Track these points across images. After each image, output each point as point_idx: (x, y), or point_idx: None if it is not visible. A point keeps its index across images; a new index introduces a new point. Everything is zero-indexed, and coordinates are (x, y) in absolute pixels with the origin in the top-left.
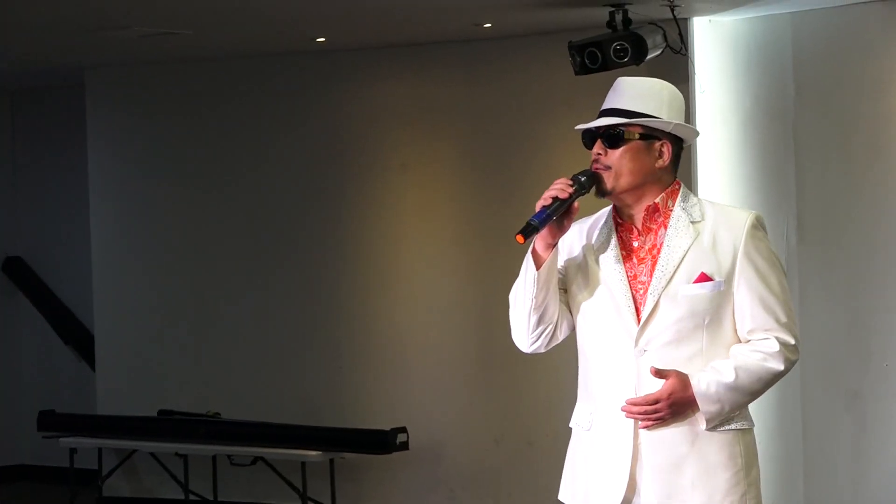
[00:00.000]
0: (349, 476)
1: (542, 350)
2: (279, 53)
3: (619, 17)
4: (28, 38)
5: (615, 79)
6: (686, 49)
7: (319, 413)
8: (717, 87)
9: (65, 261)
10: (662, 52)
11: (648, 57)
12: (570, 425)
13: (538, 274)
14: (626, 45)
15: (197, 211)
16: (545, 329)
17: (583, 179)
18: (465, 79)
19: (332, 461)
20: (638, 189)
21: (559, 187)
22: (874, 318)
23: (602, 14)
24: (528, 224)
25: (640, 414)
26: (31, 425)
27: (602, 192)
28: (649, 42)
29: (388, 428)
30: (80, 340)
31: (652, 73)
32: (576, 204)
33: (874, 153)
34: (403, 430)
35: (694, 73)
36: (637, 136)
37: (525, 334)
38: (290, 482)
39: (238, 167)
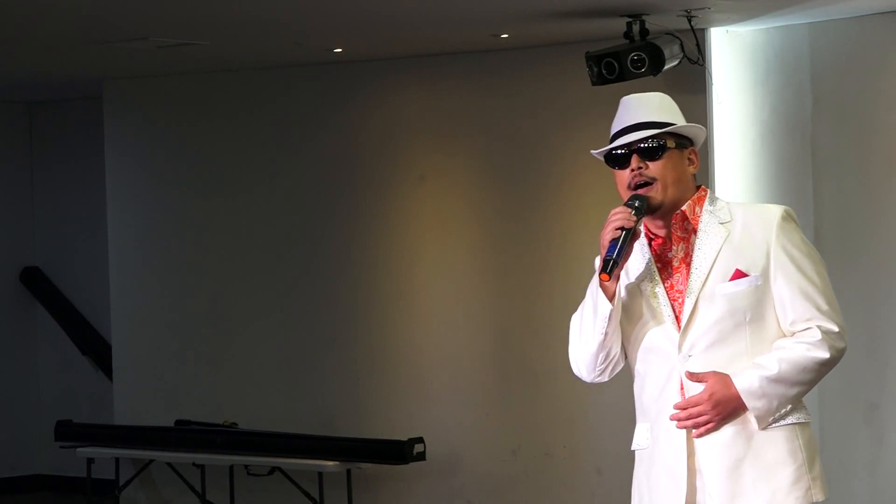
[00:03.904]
0: (366, 486)
1: (606, 379)
2: (296, 64)
3: (636, 28)
4: (46, 50)
5: (632, 89)
6: (703, 60)
7: (336, 423)
8: (735, 98)
9: (82, 271)
10: (680, 62)
11: (666, 67)
12: (632, 448)
13: (613, 308)
14: (644, 56)
15: (214, 221)
16: (612, 359)
17: (637, 204)
18: (483, 89)
19: (349, 471)
20: (678, 199)
21: (623, 216)
22: (893, 330)
23: (619, 25)
24: (607, 261)
25: (686, 419)
26: (49, 435)
27: (653, 209)
28: (666, 52)
29: (405, 438)
30: (98, 351)
31: (669, 83)
32: (639, 228)
33: (892, 164)
34: (420, 440)
35: (711, 83)
36: (674, 144)
37: (592, 367)
38: (307, 492)
39: (255, 178)
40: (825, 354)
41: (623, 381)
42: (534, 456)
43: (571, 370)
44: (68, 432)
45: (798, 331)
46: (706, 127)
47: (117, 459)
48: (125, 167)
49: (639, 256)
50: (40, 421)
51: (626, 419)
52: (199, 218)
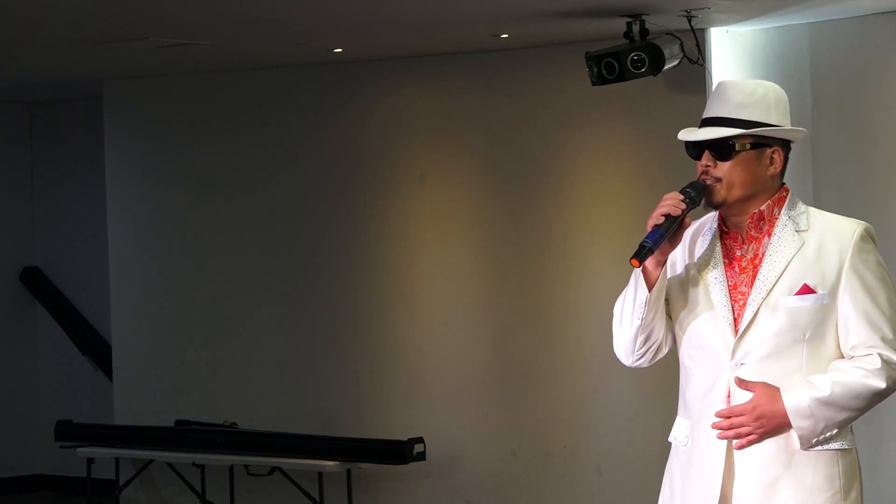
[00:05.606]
0: (366, 486)
1: (646, 365)
2: (296, 64)
3: (636, 28)
4: (46, 50)
5: (632, 89)
6: (703, 60)
7: (336, 423)
8: None
9: (82, 271)
10: (680, 62)
11: (666, 67)
12: (669, 440)
13: (650, 295)
14: (644, 56)
15: (214, 222)
16: (651, 346)
17: (692, 193)
18: (483, 89)
19: (349, 471)
20: (748, 198)
21: (671, 203)
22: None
23: (619, 25)
24: (642, 246)
25: (727, 429)
26: (49, 435)
27: (712, 204)
28: (666, 52)
29: (404, 438)
30: (98, 350)
31: (669, 83)
32: (687, 219)
33: (892, 164)
34: (420, 440)
35: (711, 83)
36: (748, 146)
37: (630, 352)
38: (307, 492)
39: (255, 178)
40: (881, 384)
41: (624, 382)
42: (534, 456)
43: (572, 370)
44: (68, 432)
45: (858, 355)
46: None
47: (117, 459)
48: (125, 167)
49: (707, 247)
50: (40, 421)
51: (627, 419)
52: (199, 218)
